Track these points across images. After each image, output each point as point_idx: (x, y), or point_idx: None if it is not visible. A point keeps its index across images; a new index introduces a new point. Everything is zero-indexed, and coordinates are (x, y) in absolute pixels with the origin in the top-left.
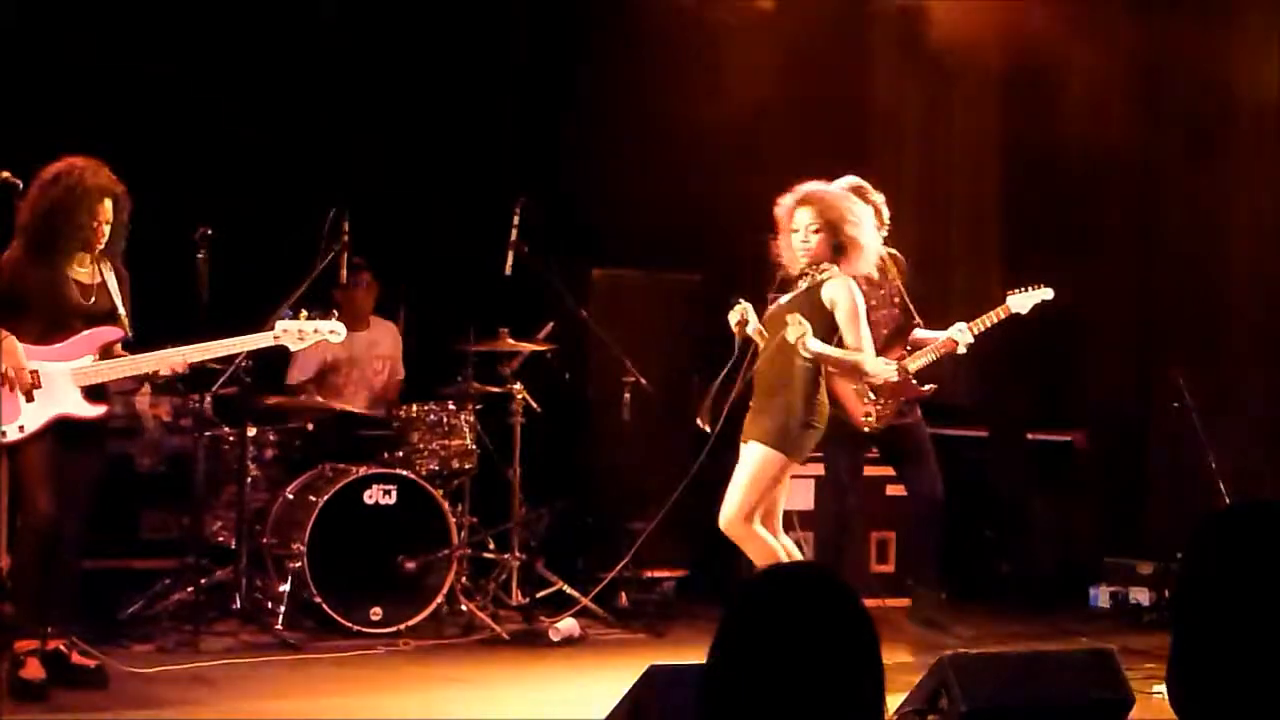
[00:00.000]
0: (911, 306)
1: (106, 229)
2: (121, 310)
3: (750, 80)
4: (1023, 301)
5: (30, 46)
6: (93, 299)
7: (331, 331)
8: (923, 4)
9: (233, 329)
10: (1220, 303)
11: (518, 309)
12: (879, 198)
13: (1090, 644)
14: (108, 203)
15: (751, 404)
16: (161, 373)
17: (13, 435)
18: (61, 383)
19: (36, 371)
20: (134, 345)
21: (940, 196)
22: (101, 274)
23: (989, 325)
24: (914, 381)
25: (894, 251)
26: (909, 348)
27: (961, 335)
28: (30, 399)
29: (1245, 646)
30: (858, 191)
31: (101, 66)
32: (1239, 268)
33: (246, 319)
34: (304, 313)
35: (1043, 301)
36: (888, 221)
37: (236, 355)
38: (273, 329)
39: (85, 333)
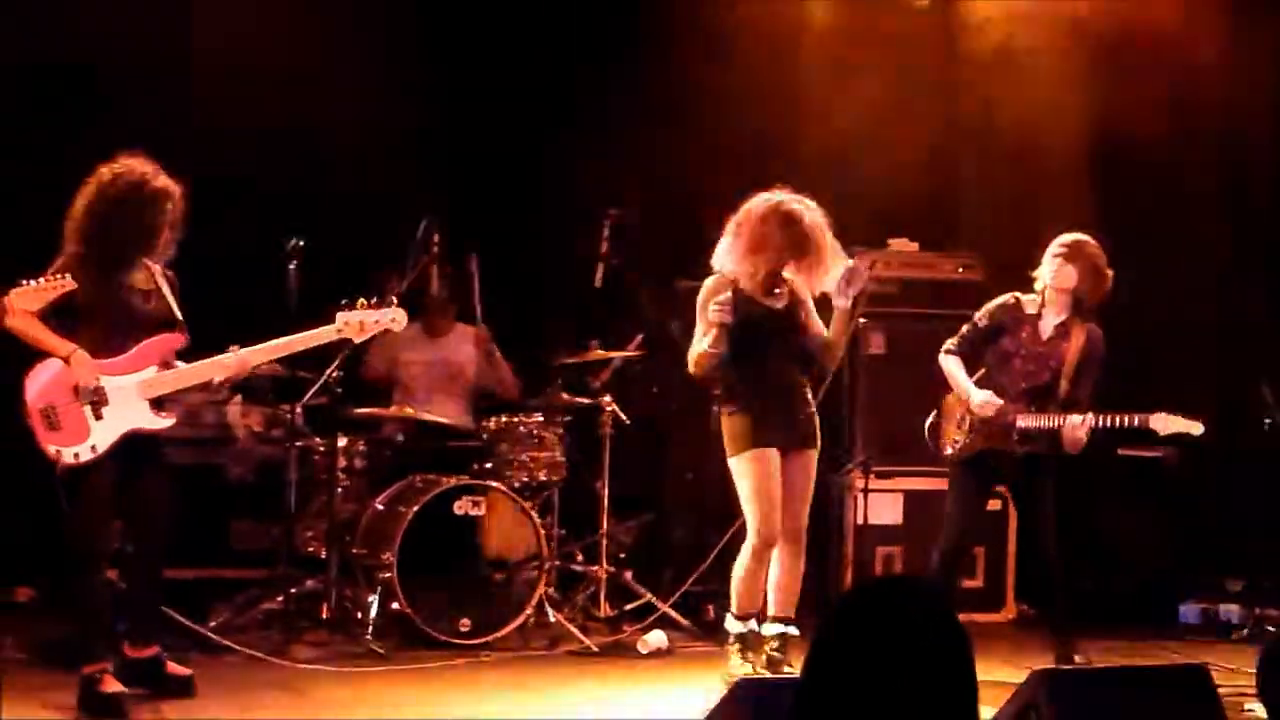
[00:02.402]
0: (1066, 382)
1: (171, 233)
2: (179, 315)
3: (844, 95)
4: (1166, 423)
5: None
6: (152, 304)
7: (394, 320)
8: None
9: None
10: None
11: (607, 321)
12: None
13: (1181, 660)
14: (169, 206)
15: (787, 410)
16: (221, 379)
17: (85, 456)
18: (129, 397)
19: (103, 388)
20: (191, 353)
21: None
22: (156, 279)
23: (1115, 426)
24: (1013, 437)
25: (1092, 326)
26: (1033, 408)
27: (1074, 423)
28: (99, 416)
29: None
30: (1081, 245)
31: (192, 65)
32: None
33: None
34: (361, 301)
35: (1187, 435)
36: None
37: (327, 366)
38: (334, 322)
39: (146, 341)
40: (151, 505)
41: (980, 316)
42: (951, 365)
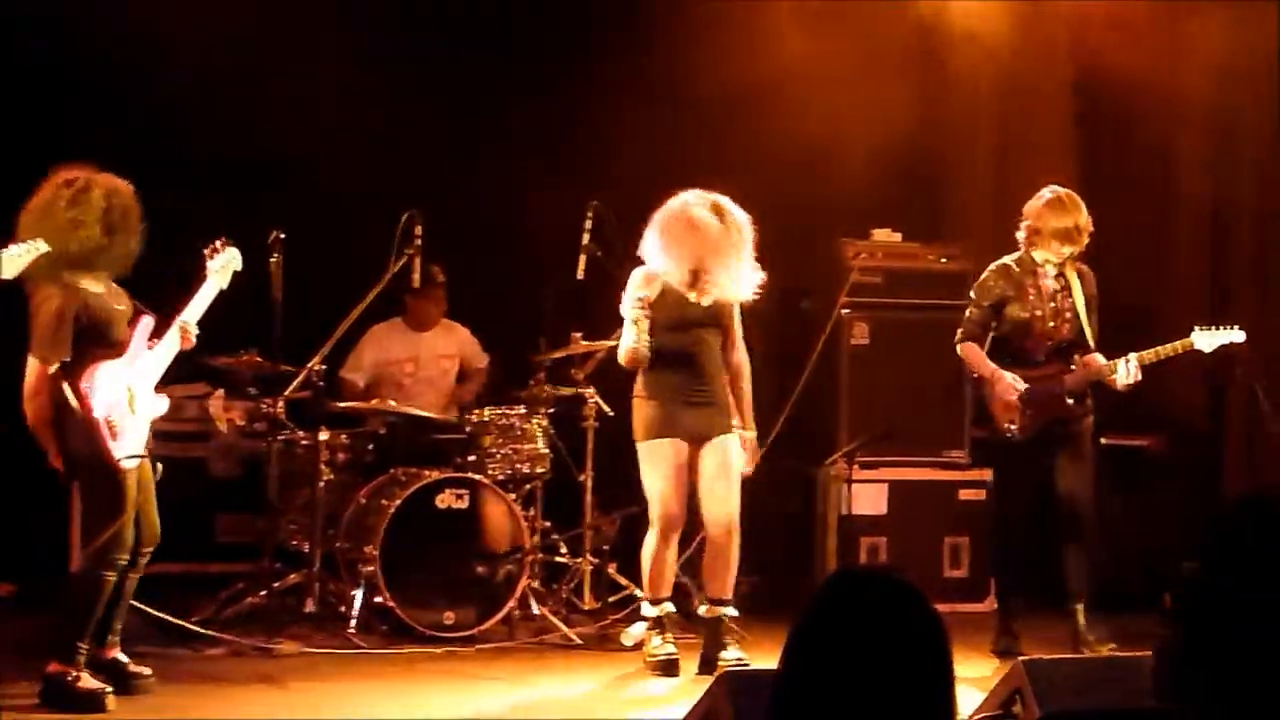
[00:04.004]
0: (1089, 328)
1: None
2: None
3: (828, 86)
4: (1209, 339)
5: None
6: (123, 304)
7: (230, 260)
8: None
9: (308, 331)
10: None
11: (591, 312)
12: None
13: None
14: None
15: (708, 395)
16: (186, 346)
17: (139, 454)
18: (146, 387)
19: (130, 387)
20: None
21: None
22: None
23: (1163, 358)
24: (1068, 400)
25: (1083, 267)
26: (1071, 366)
27: (1123, 369)
28: (135, 413)
29: (1242, 635)
30: (1063, 203)
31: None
32: None
33: (321, 321)
34: (213, 247)
35: (1231, 344)
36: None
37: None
38: (207, 275)
39: (131, 333)
40: (146, 489)
41: (979, 297)
42: (971, 352)
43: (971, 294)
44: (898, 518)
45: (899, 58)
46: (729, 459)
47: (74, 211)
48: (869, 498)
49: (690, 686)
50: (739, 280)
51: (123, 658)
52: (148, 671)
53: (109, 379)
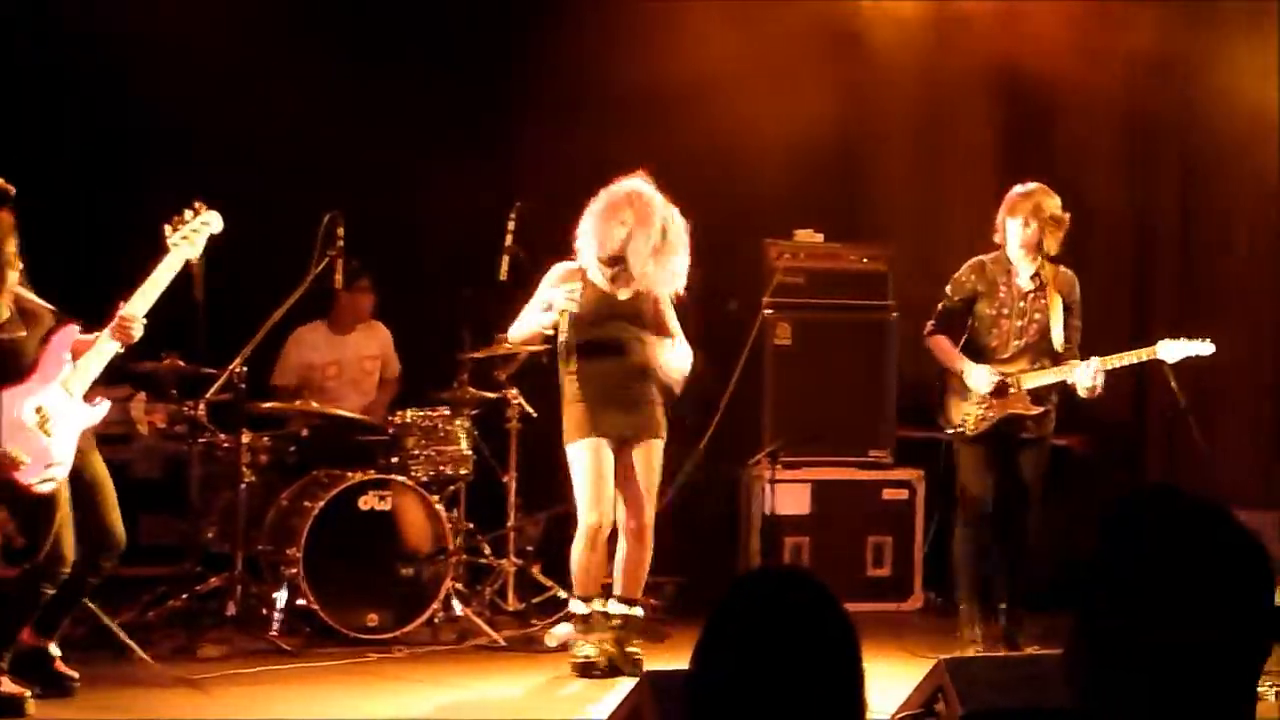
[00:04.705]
0: (1058, 329)
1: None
2: (53, 308)
3: (751, 87)
4: (1174, 350)
5: None
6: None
7: (207, 223)
8: None
9: (229, 333)
10: (1214, 300)
11: (514, 314)
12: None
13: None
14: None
15: (635, 394)
16: (124, 341)
17: (61, 475)
18: (65, 401)
19: (42, 407)
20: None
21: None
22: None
23: (1126, 365)
24: (1026, 398)
25: (1063, 269)
26: (1036, 366)
27: (1082, 371)
28: (50, 434)
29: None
30: (1033, 199)
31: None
32: (1236, 264)
33: (242, 323)
34: (176, 218)
35: (1197, 357)
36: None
37: (231, 362)
38: (168, 250)
39: (48, 346)
40: (100, 492)
41: (951, 291)
42: (940, 344)
43: (946, 289)
44: (821, 517)
45: (820, 59)
46: (652, 464)
47: None
48: (792, 497)
49: (616, 689)
50: (660, 272)
51: (56, 652)
52: (75, 675)
53: (9, 407)
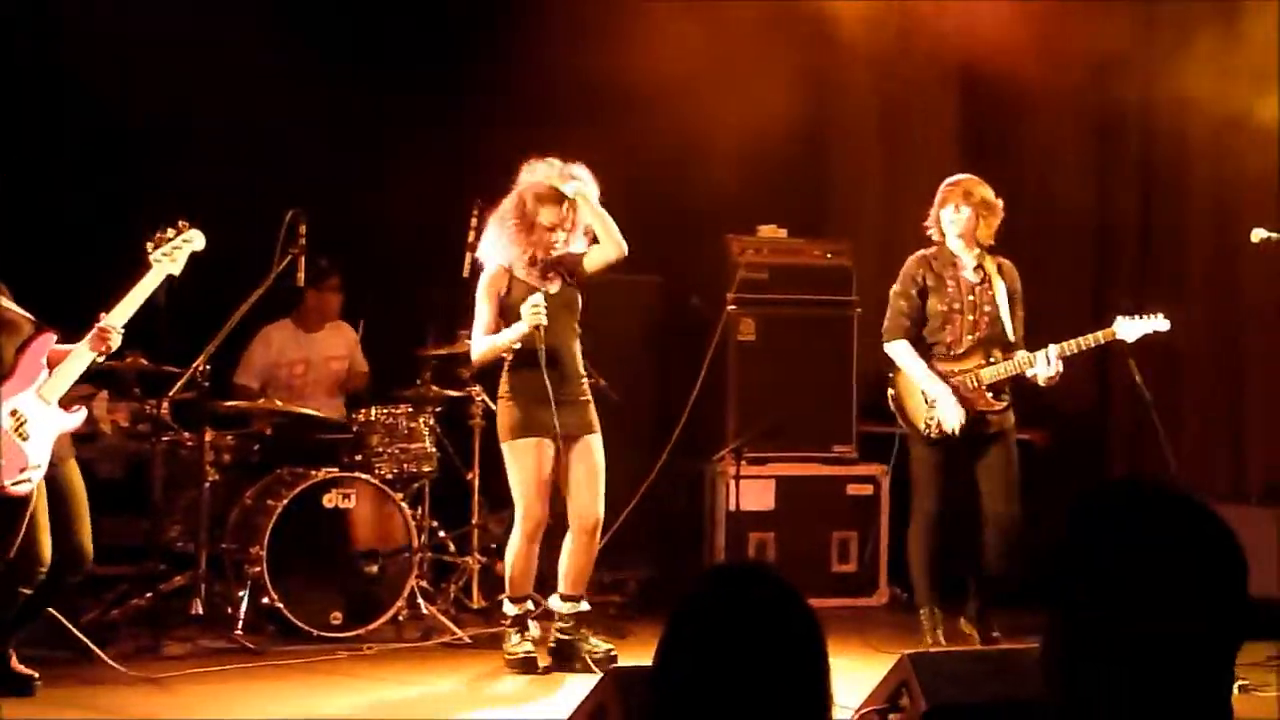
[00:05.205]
0: (1009, 320)
1: None
2: (32, 317)
3: (713, 82)
4: (1132, 328)
5: None
6: (11, 324)
7: (189, 240)
8: None
9: (192, 332)
10: (1173, 286)
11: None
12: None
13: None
14: None
15: (572, 391)
16: (103, 350)
17: (37, 477)
18: (41, 407)
19: (16, 410)
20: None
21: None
22: None
23: (1083, 349)
24: (987, 394)
25: (1002, 260)
26: (991, 359)
27: (1042, 362)
28: (26, 437)
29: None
30: (961, 186)
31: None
32: (1198, 250)
33: (206, 321)
34: (159, 235)
35: (1155, 333)
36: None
37: (194, 360)
38: (149, 265)
39: (23, 354)
40: (71, 506)
41: (900, 293)
42: (902, 352)
43: (893, 288)
44: (785, 513)
45: (784, 54)
46: (596, 460)
47: None
48: (756, 493)
49: (580, 685)
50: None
51: (13, 659)
52: (35, 675)
53: None
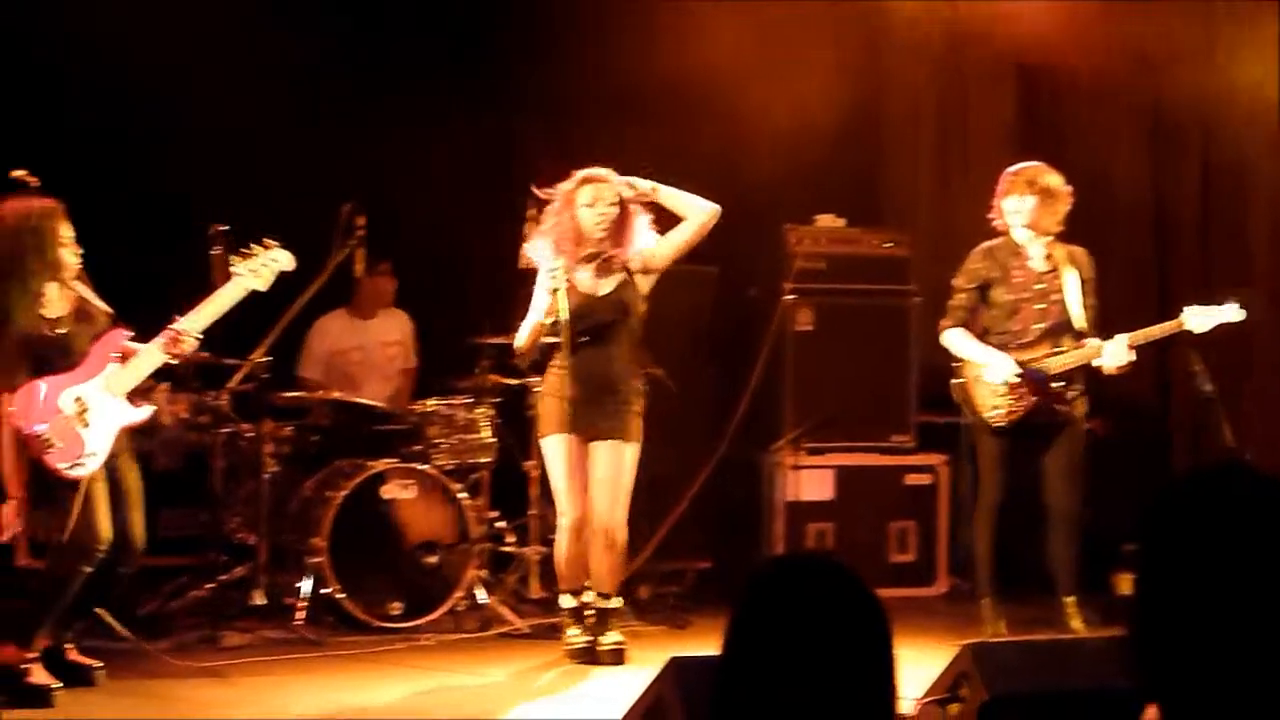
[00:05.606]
0: (1077, 309)
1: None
2: (110, 310)
3: (771, 73)
4: (1203, 319)
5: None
6: (78, 319)
7: (277, 260)
8: None
9: (248, 324)
10: (1235, 275)
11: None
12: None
13: (1112, 631)
14: (58, 227)
15: (607, 400)
16: (175, 352)
17: (92, 465)
18: (105, 398)
19: (80, 397)
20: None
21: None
22: (73, 290)
23: (1153, 339)
24: (1054, 383)
25: (1075, 248)
26: (1058, 348)
27: (1109, 351)
28: (87, 424)
29: (1209, 614)
30: (1030, 175)
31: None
32: (1258, 240)
33: (262, 314)
34: (243, 251)
35: (1228, 324)
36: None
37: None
38: (232, 278)
39: (96, 345)
40: (127, 492)
41: (962, 281)
42: (957, 339)
43: (954, 280)
44: (844, 503)
45: (839, 44)
46: (618, 467)
47: None
48: (815, 483)
49: (640, 676)
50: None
51: (72, 651)
52: (97, 664)
53: (50, 393)
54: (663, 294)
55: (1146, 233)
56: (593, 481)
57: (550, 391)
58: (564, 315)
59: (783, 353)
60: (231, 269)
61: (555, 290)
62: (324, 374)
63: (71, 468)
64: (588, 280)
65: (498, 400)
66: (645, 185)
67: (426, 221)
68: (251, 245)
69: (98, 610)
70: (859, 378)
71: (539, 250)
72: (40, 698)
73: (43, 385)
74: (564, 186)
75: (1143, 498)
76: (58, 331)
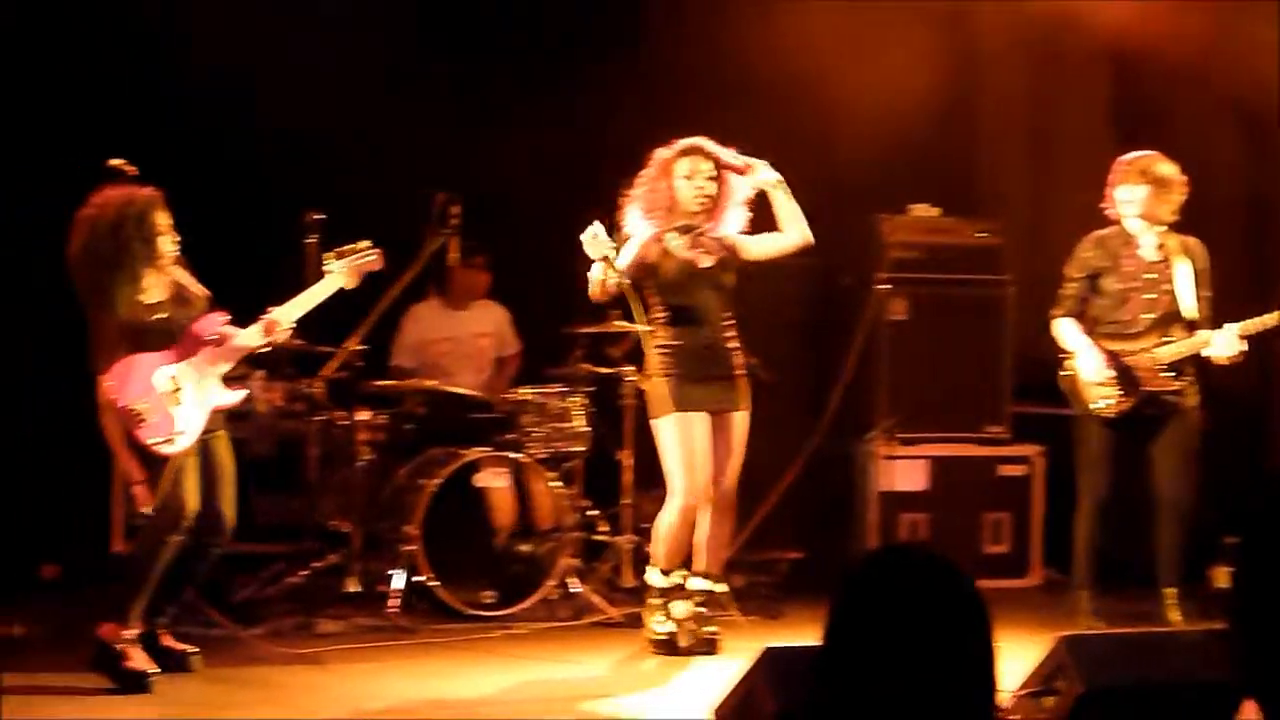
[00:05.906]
0: (1188, 300)
1: (167, 235)
2: (208, 294)
3: (863, 62)
4: None
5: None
6: (180, 303)
7: (371, 258)
8: None
9: (343, 312)
10: None
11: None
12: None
13: (1209, 624)
14: (156, 214)
15: (717, 371)
16: (270, 341)
17: (183, 443)
18: (199, 378)
19: (175, 376)
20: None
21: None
22: (172, 276)
23: (1265, 329)
24: (1162, 373)
25: (1190, 240)
26: (1168, 338)
27: (1219, 341)
28: (180, 403)
29: None
30: (1143, 165)
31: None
32: None
33: (357, 302)
34: (337, 250)
35: None
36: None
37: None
38: (324, 275)
39: (193, 327)
40: (217, 477)
41: (1073, 271)
42: (1064, 330)
43: (1065, 269)
44: (938, 494)
45: (932, 33)
46: (736, 437)
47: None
48: (909, 474)
49: (734, 665)
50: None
51: (165, 637)
52: (192, 649)
53: (145, 370)
54: (755, 283)
55: (1241, 221)
56: (718, 454)
57: (663, 370)
58: (612, 280)
59: (876, 343)
60: (324, 266)
61: (605, 258)
62: (415, 362)
63: (162, 444)
64: (685, 251)
65: (591, 389)
66: (773, 176)
67: (521, 210)
68: (345, 243)
69: (192, 592)
70: (953, 368)
71: (630, 216)
72: (138, 683)
73: (139, 362)
74: (662, 153)
75: (1242, 491)
76: (157, 316)
